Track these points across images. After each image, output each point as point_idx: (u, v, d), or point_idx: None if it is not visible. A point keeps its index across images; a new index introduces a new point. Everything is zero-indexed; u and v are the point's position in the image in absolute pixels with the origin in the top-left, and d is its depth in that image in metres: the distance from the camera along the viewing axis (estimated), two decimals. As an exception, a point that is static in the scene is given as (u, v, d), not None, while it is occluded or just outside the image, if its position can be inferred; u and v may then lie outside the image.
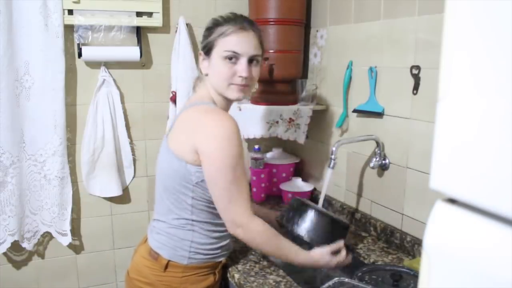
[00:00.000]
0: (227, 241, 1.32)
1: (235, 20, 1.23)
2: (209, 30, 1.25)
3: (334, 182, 1.85)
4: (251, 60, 1.23)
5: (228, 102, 1.30)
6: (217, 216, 1.25)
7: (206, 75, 1.26)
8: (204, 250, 1.25)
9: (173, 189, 1.23)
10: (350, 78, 1.70)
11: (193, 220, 1.23)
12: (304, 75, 1.98)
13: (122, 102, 1.88)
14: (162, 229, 1.26)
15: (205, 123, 1.17)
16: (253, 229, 1.20)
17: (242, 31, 1.22)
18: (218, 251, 1.29)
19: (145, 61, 1.90)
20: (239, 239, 1.22)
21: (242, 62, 1.22)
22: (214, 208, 1.24)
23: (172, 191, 1.23)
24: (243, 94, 1.25)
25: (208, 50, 1.24)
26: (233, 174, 1.15)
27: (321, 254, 1.25)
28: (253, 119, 1.86)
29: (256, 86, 1.99)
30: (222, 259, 1.32)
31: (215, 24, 1.25)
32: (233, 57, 1.21)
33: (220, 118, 1.16)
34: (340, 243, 1.29)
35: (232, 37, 1.21)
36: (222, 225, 1.27)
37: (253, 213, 1.20)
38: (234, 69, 1.22)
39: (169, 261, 1.23)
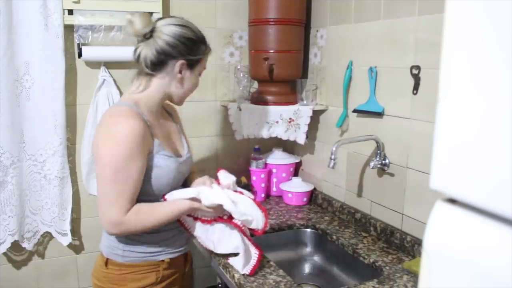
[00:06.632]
0: (168, 241, 1.30)
1: (206, 39, 1.31)
2: (195, 44, 1.26)
3: (334, 182, 1.85)
4: None
5: (160, 105, 1.32)
6: None
7: (181, 79, 1.27)
8: (138, 249, 1.26)
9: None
10: (350, 78, 1.70)
11: None
12: (304, 75, 1.98)
13: (122, 102, 1.87)
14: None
15: (105, 124, 1.19)
16: (130, 219, 1.16)
17: None
18: (156, 249, 1.28)
19: (145, 61, 1.90)
20: (120, 235, 1.22)
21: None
22: None
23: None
24: None
25: (193, 64, 1.28)
26: (114, 177, 1.13)
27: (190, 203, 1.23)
28: (253, 119, 1.86)
29: (255, 86, 1.99)
30: (165, 258, 1.30)
31: (200, 40, 1.28)
32: None
33: (122, 120, 1.16)
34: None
35: (208, 56, 1.33)
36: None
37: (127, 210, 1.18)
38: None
39: (107, 258, 1.28)
